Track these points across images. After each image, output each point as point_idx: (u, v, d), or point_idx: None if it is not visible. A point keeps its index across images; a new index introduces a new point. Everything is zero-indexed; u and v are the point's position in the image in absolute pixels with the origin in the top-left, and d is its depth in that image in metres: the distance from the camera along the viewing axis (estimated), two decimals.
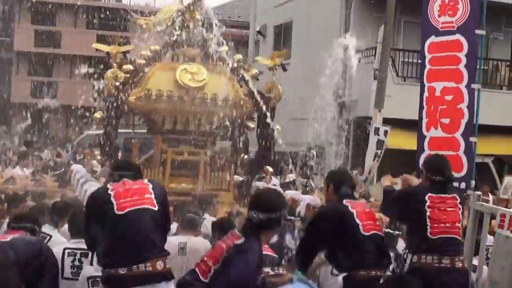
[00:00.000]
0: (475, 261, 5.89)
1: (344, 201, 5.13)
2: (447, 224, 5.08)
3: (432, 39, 7.94)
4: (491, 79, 19.95)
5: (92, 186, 8.98)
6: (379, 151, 12.66)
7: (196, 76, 9.53)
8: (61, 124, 31.87)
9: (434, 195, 5.15)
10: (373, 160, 11.81)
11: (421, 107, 7.91)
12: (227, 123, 10.27)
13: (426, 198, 5.13)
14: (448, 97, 7.72)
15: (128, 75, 9.66)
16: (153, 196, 4.71)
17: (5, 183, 11.13)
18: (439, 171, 5.23)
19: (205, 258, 4.03)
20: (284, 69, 10.88)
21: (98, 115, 9.76)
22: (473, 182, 7.25)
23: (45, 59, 35.58)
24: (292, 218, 7.10)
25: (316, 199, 9.90)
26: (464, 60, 7.72)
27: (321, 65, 12.63)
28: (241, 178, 10.56)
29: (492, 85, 19.79)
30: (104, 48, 9.90)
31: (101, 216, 4.67)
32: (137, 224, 4.57)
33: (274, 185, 10.78)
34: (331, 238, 5.07)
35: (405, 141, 14.17)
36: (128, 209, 4.61)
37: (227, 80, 9.67)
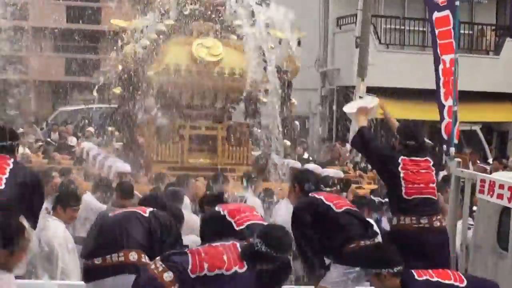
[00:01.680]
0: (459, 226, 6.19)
1: (310, 194, 5.46)
2: (421, 185, 5.41)
3: (436, 14, 8.70)
4: (476, 45, 20.23)
5: (117, 162, 9.19)
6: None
7: (212, 50, 9.72)
8: (33, 101, 31.81)
9: (407, 158, 5.50)
10: None
11: (438, 78, 8.60)
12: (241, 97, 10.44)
13: (400, 160, 5.49)
14: (453, 68, 8.46)
15: (145, 50, 9.82)
16: (148, 210, 4.88)
17: None
18: (413, 137, 5.58)
19: (204, 255, 4.10)
20: (299, 44, 11.13)
21: (117, 90, 9.90)
22: (452, 150, 7.65)
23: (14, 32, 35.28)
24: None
25: (339, 172, 10.20)
26: (452, 33, 8.59)
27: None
28: (257, 153, 10.80)
29: (477, 51, 20.09)
30: (121, 23, 10.03)
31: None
32: (119, 221, 4.79)
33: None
34: (315, 229, 5.36)
35: (390, 110, 14.47)
36: (117, 212, 4.92)
37: (243, 54, 9.88)
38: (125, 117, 10.09)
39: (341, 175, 10.33)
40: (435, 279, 4.37)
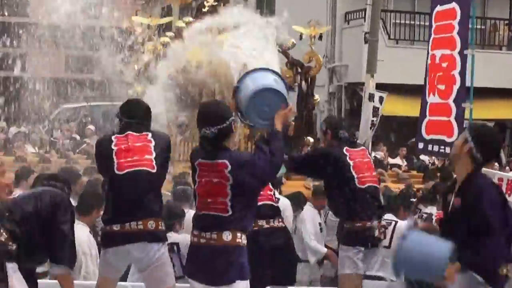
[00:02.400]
0: None
1: (345, 149, 5.65)
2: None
3: (438, 8, 8.54)
4: (489, 40, 20.06)
5: None
6: (374, 119, 12.77)
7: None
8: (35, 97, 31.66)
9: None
10: (370, 129, 11.91)
11: (426, 75, 8.47)
12: None
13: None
14: (444, 64, 8.26)
15: (166, 47, 9.79)
16: (153, 156, 4.93)
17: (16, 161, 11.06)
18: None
19: (209, 200, 4.46)
20: (320, 38, 11.10)
21: (140, 88, 9.86)
22: None
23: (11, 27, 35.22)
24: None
25: None
26: (457, 28, 8.36)
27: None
28: None
29: (490, 46, 19.92)
30: (144, 20, 10.02)
31: (104, 171, 5.05)
32: (133, 185, 4.86)
33: None
34: (325, 179, 5.75)
35: (400, 107, 14.33)
36: (126, 170, 4.89)
37: (263, 50, 9.82)
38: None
39: None
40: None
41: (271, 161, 4.47)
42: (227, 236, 4.43)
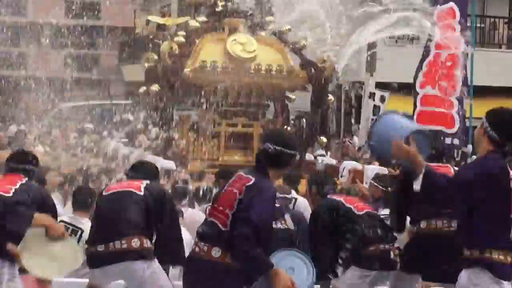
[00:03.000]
0: None
1: (328, 196, 5.65)
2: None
3: (441, 8, 8.79)
4: (488, 38, 20.07)
5: (160, 159, 9.19)
6: (375, 118, 12.78)
7: (246, 46, 9.76)
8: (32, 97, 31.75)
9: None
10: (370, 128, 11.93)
11: (419, 68, 8.68)
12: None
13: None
14: (449, 63, 8.46)
15: (181, 47, 9.84)
16: (143, 186, 5.02)
17: None
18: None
19: (220, 208, 4.19)
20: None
21: (154, 88, 9.90)
22: (470, 147, 7.57)
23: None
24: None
25: (383, 169, 10.15)
26: (457, 27, 8.61)
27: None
28: None
29: (489, 44, 19.93)
30: (159, 20, 10.07)
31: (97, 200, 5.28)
32: (116, 203, 4.95)
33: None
34: (333, 232, 5.53)
35: (400, 105, 14.32)
36: (112, 191, 5.09)
37: (277, 51, 9.89)
38: (162, 114, 10.09)
39: (386, 171, 10.32)
40: None
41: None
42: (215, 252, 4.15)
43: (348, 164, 9.98)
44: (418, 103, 8.90)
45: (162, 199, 5.02)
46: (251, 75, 9.82)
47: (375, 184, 7.33)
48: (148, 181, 5.09)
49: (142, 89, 10.47)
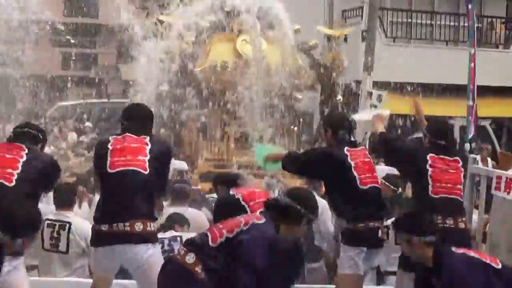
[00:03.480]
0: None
1: (345, 149, 5.48)
2: (449, 185, 5.36)
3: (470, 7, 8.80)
4: (485, 38, 20.17)
5: (173, 162, 9.14)
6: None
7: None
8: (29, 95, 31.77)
9: (435, 156, 5.43)
10: (366, 132, 11.95)
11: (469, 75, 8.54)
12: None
13: (428, 158, 5.41)
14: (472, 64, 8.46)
15: (191, 46, 9.84)
16: (147, 158, 4.93)
17: None
18: (443, 135, 5.53)
19: (220, 226, 4.27)
20: (345, 40, 11.16)
21: (164, 87, 9.90)
22: (467, 145, 7.62)
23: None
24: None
25: (392, 169, 10.05)
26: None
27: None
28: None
29: (487, 44, 20.01)
30: (167, 18, 10.05)
31: (98, 169, 5.07)
32: (122, 185, 4.85)
33: None
34: (326, 181, 5.67)
35: (397, 105, 14.38)
36: (117, 169, 4.90)
37: (286, 51, 9.91)
38: (171, 114, 10.09)
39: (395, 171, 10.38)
40: (473, 254, 4.38)
41: None
42: None
43: (386, 169, 9.84)
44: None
45: (166, 157, 5.04)
46: (260, 75, 9.84)
47: (386, 183, 7.39)
48: (148, 139, 4.99)
49: (164, 87, 10.42)
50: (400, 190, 8.18)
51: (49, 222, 5.83)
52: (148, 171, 4.89)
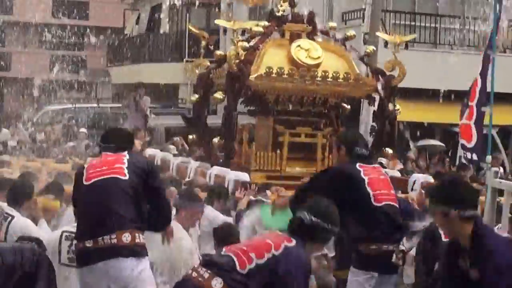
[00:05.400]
0: None
1: (358, 165, 5.32)
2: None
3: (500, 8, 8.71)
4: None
5: (234, 174, 9.00)
6: (375, 124, 12.74)
7: (311, 53, 9.65)
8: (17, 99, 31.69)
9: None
10: (369, 136, 11.86)
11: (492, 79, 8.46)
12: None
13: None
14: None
15: (246, 52, 9.71)
16: (125, 165, 4.83)
17: None
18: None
19: (246, 248, 4.04)
20: (406, 47, 11.05)
21: (219, 95, 9.75)
22: (489, 158, 7.39)
23: None
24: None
25: (428, 177, 9.86)
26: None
27: None
28: None
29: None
30: (225, 24, 9.94)
31: (76, 188, 4.99)
32: (101, 194, 4.73)
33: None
34: (338, 200, 5.13)
35: (402, 112, 14.31)
36: (94, 180, 4.81)
37: (342, 57, 9.79)
38: (226, 123, 9.89)
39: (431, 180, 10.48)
40: None
41: None
42: None
43: (421, 177, 9.63)
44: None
45: (148, 173, 4.89)
46: (318, 83, 9.73)
47: (424, 192, 7.33)
48: (126, 153, 4.93)
49: (194, 97, 10.29)
50: None
51: (67, 234, 5.46)
52: (127, 176, 4.78)
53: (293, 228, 4.15)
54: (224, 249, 4.16)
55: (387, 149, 10.12)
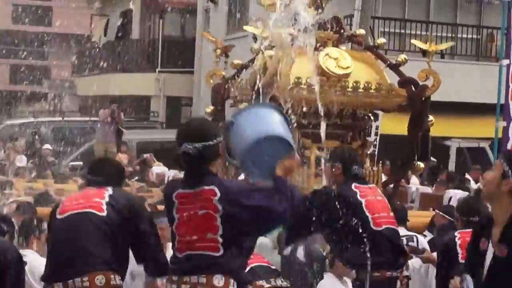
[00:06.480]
0: None
1: (353, 186, 5.28)
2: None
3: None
4: (485, 51, 20.14)
5: None
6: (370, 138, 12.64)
7: (340, 62, 9.51)
8: None
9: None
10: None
11: (507, 88, 8.17)
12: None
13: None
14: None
15: (273, 61, 9.53)
16: (104, 200, 4.55)
17: None
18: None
19: (195, 237, 4.14)
20: (443, 57, 10.90)
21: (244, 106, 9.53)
22: None
23: None
24: None
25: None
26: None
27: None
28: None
29: (486, 58, 19.96)
30: (254, 30, 9.75)
31: (50, 221, 4.75)
32: (74, 230, 4.50)
33: None
34: (335, 226, 5.21)
35: (395, 125, 14.14)
36: (67, 213, 4.56)
37: (372, 67, 9.63)
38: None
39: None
40: None
41: (289, 201, 4.08)
42: (218, 280, 4.00)
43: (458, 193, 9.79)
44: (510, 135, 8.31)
45: (131, 212, 4.59)
46: (348, 94, 9.59)
47: (441, 214, 7.67)
48: (111, 189, 4.65)
49: (209, 108, 10.17)
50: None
51: None
52: (105, 212, 4.50)
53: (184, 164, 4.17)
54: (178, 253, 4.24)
55: (418, 163, 10.08)
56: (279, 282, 5.03)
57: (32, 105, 26.74)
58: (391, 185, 9.83)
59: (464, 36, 19.55)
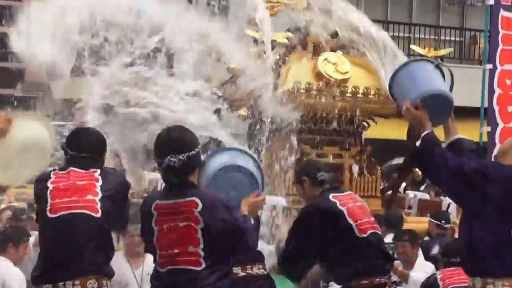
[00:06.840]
0: None
1: (331, 196, 5.24)
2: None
3: (503, 13, 8.26)
4: (469, 53, 20.32)
5: (272, 199, 8.95)
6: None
7: (338, 67, 9.51)
8: None
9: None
10: None
11: (491, 93, 8.09)
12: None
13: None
14: (508, 81, 7.99)
15: (273, 65, 9.51)
16: (98, 197, 4.51)
17: None
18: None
19: (177, 250, 4.15)
20: (442, 61, 11.00)
21: (244, 112, 9.50)
22: None
23: None
24: None
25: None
26: None
27: None
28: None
29: (469, 60, 20.14)
30: (254, 34, 9.74)
31: (37, 214, 4.64)
32: (67, 232, 4.44)
33: None
34: (321, 242, 5.21)
35: (383, 130, 14.26)
36: (60, 213, 4.48)
37: (371, 72, 9.65)
38: (252, 140, 9.68)
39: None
40: None
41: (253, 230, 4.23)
42: None
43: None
44: (497, 140, 8.34)
45: (122, 195, 4.65)
46: (348, 99, 9.61)
47: (432, 220, 7.85)
48: (99, 173, 4.58)
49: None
50: (448, 226, 8.24)
51: None
52: (100, 213, 4.47)
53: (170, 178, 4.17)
54: (160, 267, 4.25)
55: (416, 170, 10.22)
56: (255, 269, 5.07)
57: (4, 108, 26.57)
58: (389, 192, 9.94)
59: (447, 38, 19.72)
